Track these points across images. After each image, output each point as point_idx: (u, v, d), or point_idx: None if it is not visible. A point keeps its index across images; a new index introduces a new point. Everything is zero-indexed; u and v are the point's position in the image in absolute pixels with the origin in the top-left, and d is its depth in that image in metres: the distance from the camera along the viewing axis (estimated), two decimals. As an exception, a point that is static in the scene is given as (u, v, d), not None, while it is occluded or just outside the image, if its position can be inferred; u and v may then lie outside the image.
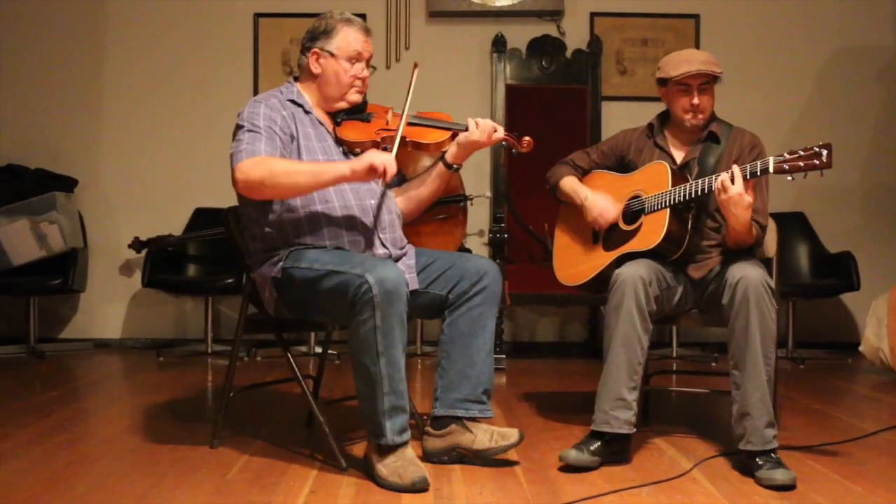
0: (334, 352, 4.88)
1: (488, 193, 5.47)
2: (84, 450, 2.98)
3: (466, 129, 2.86)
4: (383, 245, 2.79)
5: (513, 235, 5.29)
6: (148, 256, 5.34)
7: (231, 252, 5.33)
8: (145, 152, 5.77)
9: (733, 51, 5.65)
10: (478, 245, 5.70)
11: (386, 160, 2.59)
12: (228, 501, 2.40)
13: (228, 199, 5.48)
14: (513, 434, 2.76)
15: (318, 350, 5.27)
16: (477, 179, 5.44)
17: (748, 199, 2.76)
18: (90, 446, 3.03)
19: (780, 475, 2.55)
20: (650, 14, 5.75)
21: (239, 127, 2.75)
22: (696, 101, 3.01)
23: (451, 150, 2.90)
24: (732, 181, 2.73)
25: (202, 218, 5.61)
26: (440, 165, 2.93)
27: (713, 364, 5.12)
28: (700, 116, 3.05)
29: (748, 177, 2.74)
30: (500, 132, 2.87)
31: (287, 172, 2.63)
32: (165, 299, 5.73)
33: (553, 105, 5.61)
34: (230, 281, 5.21)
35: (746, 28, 5.76)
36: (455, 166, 2.91)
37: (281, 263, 2.71)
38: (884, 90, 5.80)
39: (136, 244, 5.41)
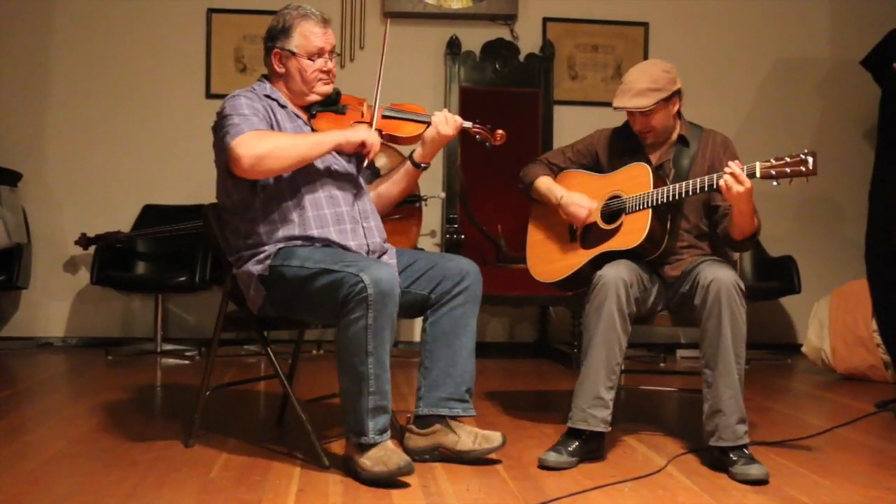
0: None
1: (442, 194, 5.51)
2: (55, 449, 2.91)
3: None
4: (366, 235, 2.81)
5: (466, 236, 5.33)
6: (97, 253, 5.21)
7: (183, 250, 5.30)
8: (92, 147, 5.63)
9: (680, 59, 5.66)
10: (430, 245, 5.74)
11: (375, 141, 2.78)
12: (218, 500, 2.38)
13: (178, 196, 5.52)
14: (496, 437, 2.80)
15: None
16: (430, 180, 5.47)
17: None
18: (61, 446, 2.95)
19: (754, 470, 2.64)
20: (601, 21, 5.85)
21: (224, 117, 2.73)
22: (637, 127, 3.10)
23: (417, 150, 2.94)
24: (742, 177, 2.74)
25: (151, 214, 5.51)
26: (408, 164, 2.98)
27: (662, 364, 5.26)
28: (651, 137, 3.12)
29: None
30: (459, 119, 2.96)
31: (293, 144, 2.69)
32: (111, 297, 5.61)
33: (506, 108, 5.67)
34: (182, 279, 5.13)
35: (693, 37, 5.91)
36: (423, 165, 2.96)
37: (269, 261, 2.71)
38: (821, 101, 6.02)
39: (84, 240, 5.27)
